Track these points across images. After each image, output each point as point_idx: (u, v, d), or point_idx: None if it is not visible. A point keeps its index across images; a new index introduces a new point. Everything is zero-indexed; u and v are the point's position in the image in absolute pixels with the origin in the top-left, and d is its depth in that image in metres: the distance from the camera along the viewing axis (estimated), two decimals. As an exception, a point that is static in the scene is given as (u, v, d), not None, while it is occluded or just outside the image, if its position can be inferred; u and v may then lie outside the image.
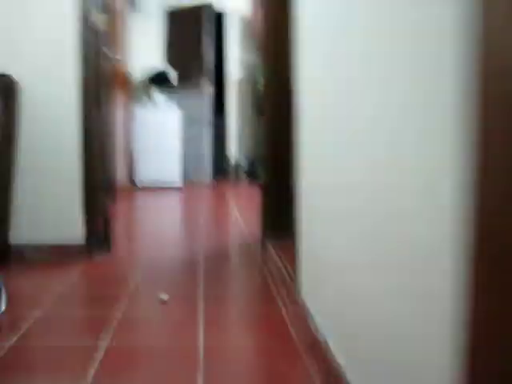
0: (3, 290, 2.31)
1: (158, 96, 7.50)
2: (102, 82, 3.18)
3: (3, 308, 2.22)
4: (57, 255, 3.06)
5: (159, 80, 7.47)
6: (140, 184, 7.01)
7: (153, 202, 5.78)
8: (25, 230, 3.08)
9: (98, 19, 3.13)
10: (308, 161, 2.05)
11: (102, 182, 3.22)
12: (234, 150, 8.08)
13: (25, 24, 3.03)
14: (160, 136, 7.04)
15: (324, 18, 1.75)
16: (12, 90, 2.93)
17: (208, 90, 7.46)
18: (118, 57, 5.48)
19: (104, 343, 1.91)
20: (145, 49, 7.63)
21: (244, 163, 7.76)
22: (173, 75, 7.49)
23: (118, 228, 3.52)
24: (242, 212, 5.05)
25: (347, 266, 1.50)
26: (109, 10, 3.23)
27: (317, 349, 1.77)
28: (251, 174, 7.72)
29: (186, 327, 2.08)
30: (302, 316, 2.04)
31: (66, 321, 2.18)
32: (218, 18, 7.92)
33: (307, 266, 2.07)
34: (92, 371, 1.69)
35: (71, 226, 3.10)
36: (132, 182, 7.04)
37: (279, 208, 3.14)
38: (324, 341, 1.71)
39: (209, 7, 7.52)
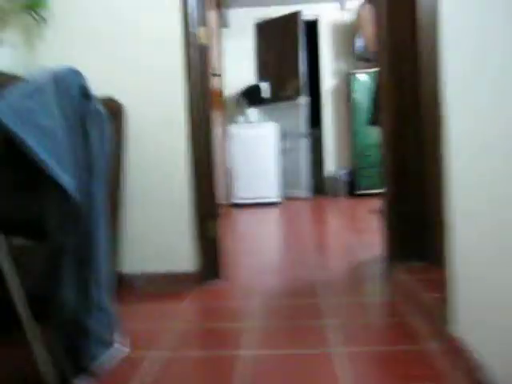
0: (119, 325, 2.16)
1: (252, 111, 7.38)
2: (207, 101, 3.02)
3: (118, 345, 2.06)
4: (168, 284, 2.92)
5: (252, 94, 7.35)
6: (238, 201, 6.89)
7: (253, 220, 5.60)
8: (135, 258, 2.96)
9: (200, 33, 2.98)
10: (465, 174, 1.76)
11: (211, 206, 3.05)
12: (332, 162, 7.82)
13: (131, 46, 2.92)
14: (256, 151, 6.90)
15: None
16: (118, 113, 2.82)
17: (303, 101, 7.25)
18: (217, 73, 5.38)
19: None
20: (236, 63, 7.53)
21: (342, 176, 7.47)
22: (266, 88, 7.34)
23: (224, 251, 3.34)
24: (348, 228, 4.78)
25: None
26: (206, 26, 3.07)
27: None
28: (350, 187, 7.44)
29: (323, 376, 1.83)
30: (455, 354, 1.76)
31: (190, 363, 1.98)
32: (309, 26, 7.72)
33: (465, 292, 1.77)
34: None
35: (182, 254, 2.96)
36: (229, 199, 6.94)
37: (405, 223, 2.85)
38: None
39: (298, 16, 7.33)
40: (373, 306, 2.58)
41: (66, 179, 1.60)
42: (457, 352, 1.75)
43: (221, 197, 5.95)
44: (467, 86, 1.63)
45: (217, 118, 5.65)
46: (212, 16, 5.89)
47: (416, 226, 2.82)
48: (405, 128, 2.82)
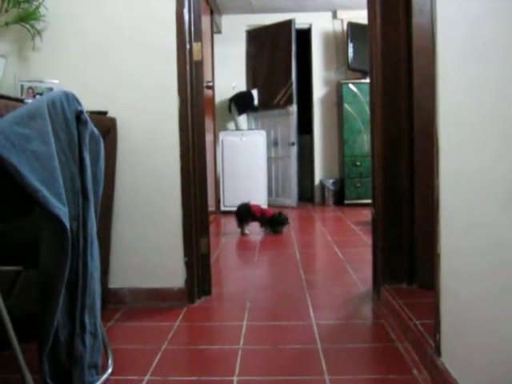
0: (109, 347, 2.14)
1: (243, 118, 7.38)
2: (200, 117, 3.01)
3: (110, 370, 2.05)
4: (156, 301, 2.91)
5: (243, 101, 7.35)
6: (225, 208, 6.87)
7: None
8: (123, 274, 2.93)
9: (195, 49, 2.97)
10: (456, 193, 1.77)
11: (203, 222, 3.04)
12: (321, 170, 7.84)
13: (126, 60, 2.90)
14: (245, 158, 6.90)
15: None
16: (111, 128, 2.80)
17: (293, 109, 7.25)
18: (209, 83, 5.37)
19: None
20: (228, 70, 7.52)
21: (330, 185, 7.48)
22: (256, 95, 7.34)
23: (213, 265, 3.32)
24: (336, 241, 4.79)
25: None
26: (200, 38, 3.06)
27: None
28: (338, 196, 7.46)
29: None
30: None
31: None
32: (300, 35, 7.73)
33: (452, 320, 1.78)
34: None
35: (171, 270, 2.93)
36: (218, 206, 6.92)
37: (394, 245, 2.85)
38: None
39: (290, 24, 7.33)
40: (361, 330, 2.58)
41: (58, 207, 1.59)
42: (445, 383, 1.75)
43: (209, 204, 5.94)
44: (461, 118, 1.63)
45: (207, 124, 5.64)
46: (205, 22, 5.87)
47: (406, 248, 2.82)
48: (397, 151, 2.82)
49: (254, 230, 5.38)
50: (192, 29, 2.95)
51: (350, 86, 7.25)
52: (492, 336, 1.43)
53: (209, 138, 6.02)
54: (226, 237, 5.33)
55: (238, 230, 5.38)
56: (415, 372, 2.00)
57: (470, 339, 1.61)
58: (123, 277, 2.93)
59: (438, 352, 1.88)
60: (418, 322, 2.23)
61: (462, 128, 1.65)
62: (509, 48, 1.30)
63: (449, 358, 1.81)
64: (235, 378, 1.97)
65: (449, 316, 1.81)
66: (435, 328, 1.91)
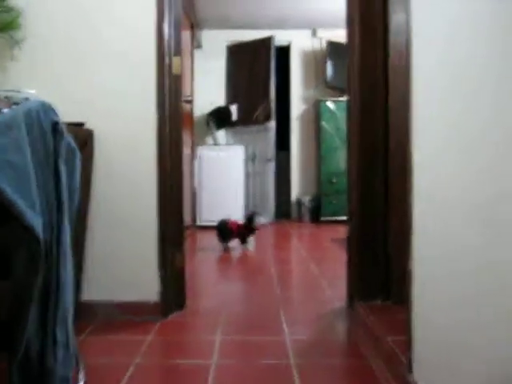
0: (81, 360, 2.12)
1: (221, 133, 7.40)
2: (178, 131, 3.01)
3: (82, 383, 2.03)
4: (130, 314, 2.88)
5: (221, 116, 7.37)
6: (201, 223, 6.86)
7: (216, 244, 5.56)
8: (96, 286, 2.91)
9: (174, 63, 2.98)
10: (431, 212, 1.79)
11: (179, 235, 3.04)
12: (298, 187, 7.87)
13: (104, 71, 2.90)
14: (222, 173, 6.90)
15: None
16: (88, 139, 2.79)
17: (272, 125, 7.29)
18: (188, 97, 5.39)
19: None
20: (207, 85, 7.54)
21: (307, 201, 7.52)
22: (235, 111, 7.37)
23: (188, 279, 3.31)
24: (311, 257, 4.80)
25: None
26: (180, 52, 3.07)
27: None
28: (314, 213, 7.49)
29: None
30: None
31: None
32: (280, 52, 7.79)
33: (424, 336, 1.79)
34: None
35: (146, 283, 2.91)
36: (194, 220, 6.91)
37: (369, 261, 2.87)
38: None
39: (270, 41, 7.40)
40: (335, 346, 2.59)
41: (32, 217, 1.58)
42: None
43: (186, 219, 5.92)
44: (433, 135, 1.66)
45: (185, 138, 5.65)
46: (185, 37, 5.90)
47: (381, 264, 2.84)
48: (372, 168, 2.85)
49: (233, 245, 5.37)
50: (172, 43, 2.96)
51: (328, 103, 7.32)
52: (463, 354, 1.45)
53: (186, 151, 6.02)
54: (202, 252, 5.32)
55: (215, 245, 5.35)
56: (387, 388, 2.01)
57: (441, 356, 1.63)
58: (96, 289, 2.90)
59: (410, 369, 1.89)
60: (390, 339, 2.24)
61: (435, 143, 1.68)
62: (482, 65, 1.34)
63: (420, 375, 1.82)
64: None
65: (420, 332, 1.82)
66: (407, 344, 1.92)
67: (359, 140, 2.87)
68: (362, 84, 2.89)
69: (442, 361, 1.62)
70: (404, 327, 1.96)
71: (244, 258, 4.96)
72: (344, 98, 6.89)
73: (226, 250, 5.26)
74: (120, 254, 2.92)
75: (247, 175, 7.40)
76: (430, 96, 1.72)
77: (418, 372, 1.84)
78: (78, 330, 2.59)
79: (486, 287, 1.35)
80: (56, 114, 1.77)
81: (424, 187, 1.79)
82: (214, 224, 6.74)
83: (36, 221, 1.59)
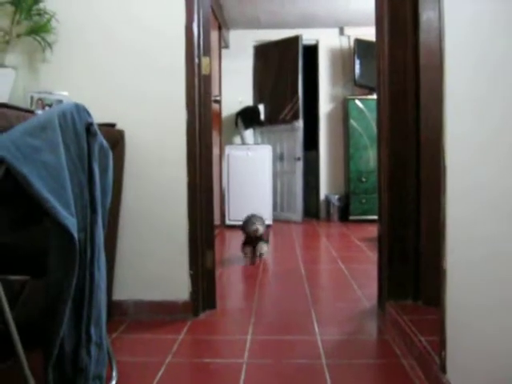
0: (113, 358, 2.14)
1: (249, 132, 7.41)
2: (208, 131, 3.02)
3: (114, 382, 2.05)
4: (161, 314, 2.91)
5: (249, 116, 7.38)
6: (230, 222, 6.88)
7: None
8: (127, 285, 2.94)
9: (204, 63, 3.00)
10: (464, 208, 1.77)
11: (209, 235, 3.05)
12: (326, 186, 7.84)
13: (134, 73, 2.93)
14: (251, 173, 6.90)
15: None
16: (120, 140, 2.82)
17: (300, 124, 7.27)
18: (217, 97, 5.41)
19: None
20: (235, 84, 7.56)
21: (336, 200, 7.49)
22: (262, 110, 7.38)
23: (218, 278, 3.31)
24: (341, 257, 4.78)
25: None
26: (209, 52, 3.08)
27: None
28: (343, 212, 7.46)
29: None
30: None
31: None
32: (307, 51, 7.77)
33: (458, 337, 1.77)
34: None
35: (176, 283, 2.94)
36: (223, 220, 6.93)
37: (400, 261, 2.85)
38: None
39: (297, 40, 7.38)
40: (366, 345, 2.57)
41: (67, 217, 1.60)
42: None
43: (215, 218, 5.95)
44: (468, 134, 1.64)
45: (214, 138, 5.68)
46: (213, 37, 5.92)
47: (412, 264, 2.82)
48: (403, 167, 2.83)
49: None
50: (201, 43, 2.98)
51: (357, 102, 7.28)
52: (499, 353, 1.43)
53: (215, 151, 6.05)
54: (231, 251, 5.32)
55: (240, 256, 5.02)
56: (420, 389, 2.00)
57: (476, 356, 1.60)
58: (128, 289, 2.93)
59: (444, 369, 1.87)
60: (423, 339, 2.22)
61: (469, 144, 1.65)
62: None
63: (454, 376, 1.80)
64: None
65: (454, 332, 1.80)
66: (441, 344, 1.90)
67: (390, 138, 2.85)
68: (391, 83, 2.87)
69: (476, 363, 1.60)
70: (436, 328, 1.94)
71: (273, 258, 4.95)
72: (373, 97, 6.85)
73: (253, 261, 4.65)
74: (151, 253, 2.94)
75: (275, 174, 7.40)
76: (465, 95, 1.70)
77: (452, 373, 1.82)
78: (110, 329, 2.62)
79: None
80: (89, 115, 1.79)
81: (458, 188, 1.76)
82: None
83: (70, 221, 1.61)
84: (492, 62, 1.49)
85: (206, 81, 3.02)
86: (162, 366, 2.24)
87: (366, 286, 3.51)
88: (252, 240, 4.55)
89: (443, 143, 1.86)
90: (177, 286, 2.94)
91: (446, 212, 1.85)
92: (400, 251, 2.86)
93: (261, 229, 4.46)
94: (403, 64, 2.87)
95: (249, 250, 4.63)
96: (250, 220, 4.53)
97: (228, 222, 6.91)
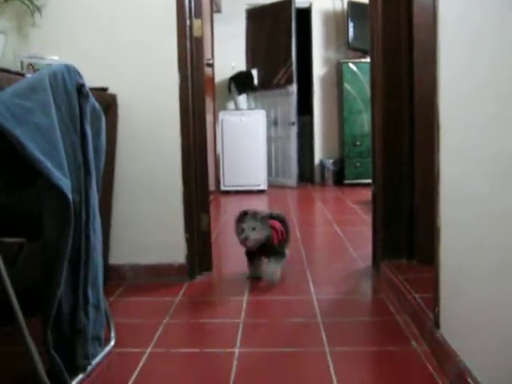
0: (111, 320, 2.16)
1: (242, 98, 7.37)
2: (200, 93, 3.00)
3: (113, 343, 2.07)
4: (157, 276, 2.93)
5: (242, 81, 7.33)
6: (225, 188, 6.89)
7: (241, 208, 5.57)
8: (123, 249, 2.95)
9: (195, 25, 2.96)
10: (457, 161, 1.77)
11: (203, 198, 3.05)
12: (320, 150, 7.84)
13: (125, 36, 2.89)
14: (244, 138, 6.89)
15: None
16: (112, 104, 2.80)
17: (292, 88, 7.23)
18: (209, 60, 5.35)
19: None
20: (228, 49, 7.48)
21: (330, 165, 7.49)
22: (256, 75, 7.32)
23: (213, 242, 3.33)
24: (336, 219, 4.80)
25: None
26: (200, 14, 3.05)
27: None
28: (338, 176, 7.47)
29: (312, 374, 1.85)
30: (444, 356, 1.79)
31: (182, 360, 1.99)
32: (300, 14, 7.68)
33: (451, 293, 1.80)
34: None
35: (172, 246, 2.95)
36: (218, 186, 6.94)
37: (394, 221, 2.87)
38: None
39: (290, 3, 7.28)
40: (361, 304, 2.62)
41: (60, 179, 1.60)
42: (445, 356, 1.77)
43: (210, 184, 5.96)
44: (461, 92, 1.64)
45: (207, 104, 5.64)
46: (205, 0, 5.84)
47: (406, 224, 2.84)
48: (397, 128, 2.83)
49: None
50: (192, 4, 2.94)
51: (350, 65, 7.22)
52: (491, 308, 1.45)
53: (209, 117, 6.02)
54: (226, 215, 5.34)
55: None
56: (414, 344, 2.03)
57: (468, 311, 1.63)
58: (124, 253, 2.95)
59: (437, 324, 1.90)
60: (417, 296, 2.25)
61: (462, 102, 1.65)
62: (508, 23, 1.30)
63: (447, 330, 1.83)
64: (236, 350, 1.99)
65: (448, 289, 1.83)
66: (434, 301, 1.93)
67: (383, 99, 2.84)
68: (385, 43, 2.85)
69: (468, 318, 1.62)
70: (430, 285, 1.97)
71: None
72: (367, 60, 6.79)
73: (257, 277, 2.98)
74: (146, 217, 2.95)
75: (269, 140, 7.38)
76: (457, 50, 1.69)
77: (445, 328, 1.85)
78: (108, 293, 2.64)
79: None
80: (81, 77, 1.77)
81: (451, 143, 1.77)
82: (238, 189, 6.78)
83: (64, 182, 1.61)
84: (479, 13, 1.48)
85: (198, 43, 3.00)
86: (160, 327, 2.26)
87: (361, 248, 3.53)
88: (250, 253, 2.92)
89: (436, 100, 1.85)
90: (173, 249, 2.95)
91: (440, 170, 1.85)
92: (394, 211, 2.87)
93: (255, 236, 2.73)
94: (397, 24, 2.84)
95: (252, 269, 2.94)
96: (239, 221, 2.79)
97: (223, 188, 6.92)
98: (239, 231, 2.75)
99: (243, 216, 2.77)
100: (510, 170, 1.31)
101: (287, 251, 3.02)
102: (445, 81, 1.81)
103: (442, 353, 1.82)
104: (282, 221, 3.02)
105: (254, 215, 2.76)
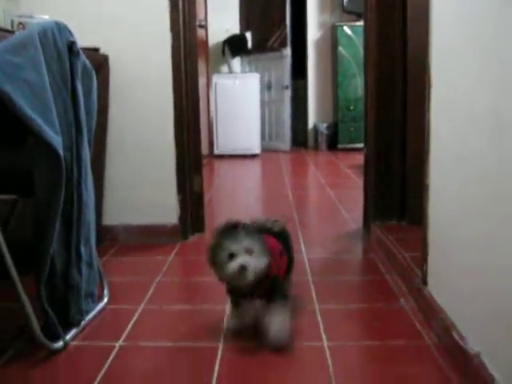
0: (105, 278, 2.19)
1: (236, 61, 7.31)
2: (193, 54, 2.99)
3: (106, 300, 2.10)
4: (150, 237, 2.95)
5: (236, 44, 7.26)
6: (218, 152, 6.89)
7: (234, 172, 5.61)
8: (116, 210, 2.97)
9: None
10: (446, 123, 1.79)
11: (196, 160, 3.06)
12: (314, 114, 7.80)
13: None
14: (238, 102, 6.85)
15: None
16: (104, 65, 2.78)
17: (286, 52, 7.17)
18: (202, 21, 5.29)
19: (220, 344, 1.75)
20: (221, 12, 7.38)
21: (324, 129, 7.47)
22: (250, 38, 7.25)
23: (206, 204, 3.35)
24: (328, 183, 4.82)
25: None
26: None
27: (455, 352, 1.55)
28: (331, 141, 7.47)
29: (305, 328, 1.89)
30: (431, 312, 1.83)
31: (176, 316, 2.03)
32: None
33: (439, 251, 1.83)
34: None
35: (165, 207, 2.96)
36: (211, 150, 6.94)
37: (385, 182, 2.88)
38: (464, 344, 1.49)
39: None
40: (351, 263, 2.65)
41: (52, 136, 1.60)
42: (432, 312, 1.81)
43: (203, 148, 5.95)
44: (453, 50, 1.64)
45: (200, 67, 5.60)
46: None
47: (397, 185, 2.86)
48: (390, 90, 2.82)
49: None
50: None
51: (345, 28, 7.15)
52: (477, 265, 1.47)
53: (202, 80, 5.98)
54: (220, 179, 5.36)
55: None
56: (402, 301, 2.07)
57: (455, 269, 1.66)
58: (117, 214, 2.96)
59: (425, 282, 1.93)
60: (406, 255, 2.29)
61: (454, 61, 1.65)
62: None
63: (435, 288, 1.86)
64: (227, 306, 2.02)
65: (436, 247, 1.86)
66: (422, 259, 1.96)
67: (377, 60, 2.83)
68: (379, 3, 2.82)
69: (456, 273, 1.65)
70: (419, 245, 1.99)
71: (261, 185, 4.99)
72: (361, 23, 6.71)
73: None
74: (139, 178, 2.96)
75: (263, 103, 7.35)
76: (448, 6, 1.69)
77: (433, 285, 1.88)
78: (101, 253, 2.65)
79: (504, 203, 1.35)
80: (71, 34, 1.76)
81: (441, 102, 1.77)
82: (231, 153, 6.78)
83: (56, 139, 1.61)
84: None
85: (191, 2, 2.96)
86: (152, 285, 2.30)
87: (353, 210, 3.55)
88: (237, 293, 1.78)
89: (428, 58, 1.85)
90: (166, 210, 2.97)
91: (430, 129, 1.86)
92: (386, 173, 2.89)
93: (256, 265, 1.62)
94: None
95: (235, 318, 1.84)
96: (223, 238, 1.69)
97: (216, 152, 6.92)
98: (223, 256, 1.65)
99: (231, 230, 1.67)
100: (496, 128, 1.32)
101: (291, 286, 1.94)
102: (436, 38, 1.81)
103: (428, 309, 1.85)
104: (280, 235, 1.94)
105: (248, 229, 1.67)
